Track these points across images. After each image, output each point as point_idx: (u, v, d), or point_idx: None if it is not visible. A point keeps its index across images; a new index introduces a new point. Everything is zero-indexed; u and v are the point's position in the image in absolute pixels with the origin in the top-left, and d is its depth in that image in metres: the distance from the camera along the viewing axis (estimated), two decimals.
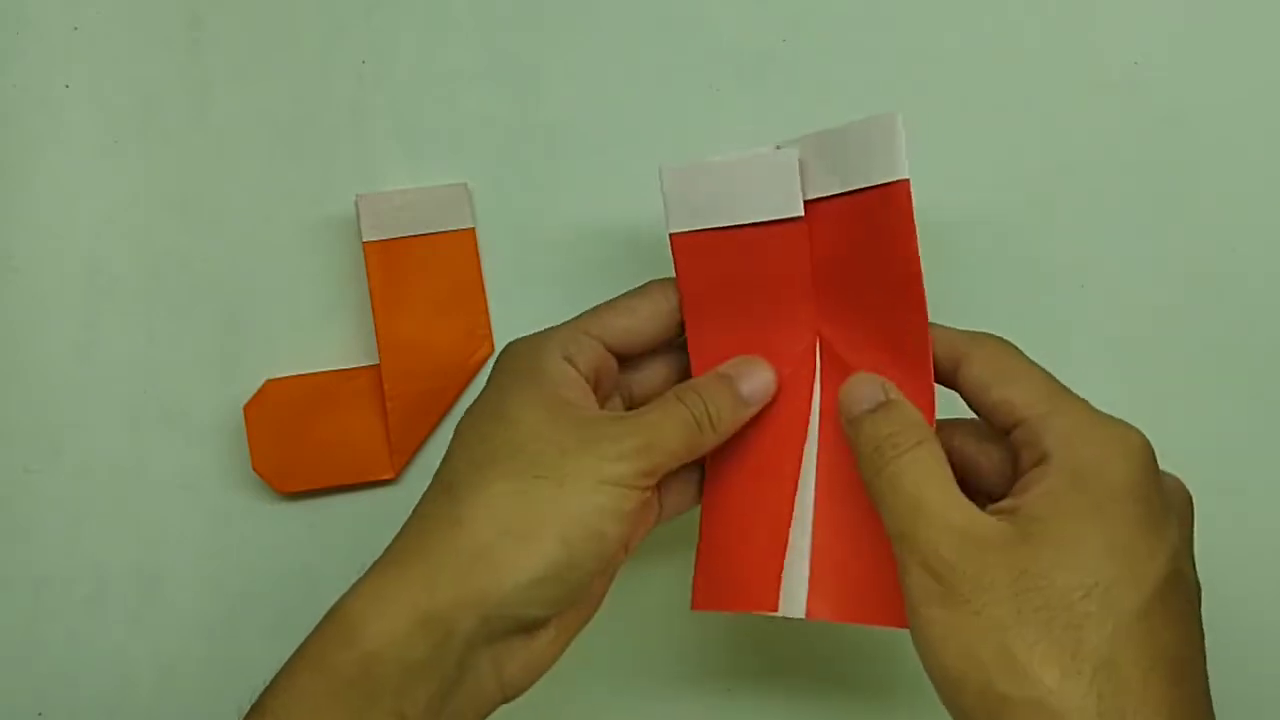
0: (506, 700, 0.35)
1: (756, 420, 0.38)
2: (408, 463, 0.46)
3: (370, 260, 0.45)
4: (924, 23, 0.45)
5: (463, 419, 0.37)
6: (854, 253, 0.36)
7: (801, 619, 0.36)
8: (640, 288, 0.39)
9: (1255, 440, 0.45)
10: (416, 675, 0.33)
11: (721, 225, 0.37)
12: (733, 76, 0.46)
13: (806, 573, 0.37)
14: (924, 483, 0.32)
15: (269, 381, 0.45)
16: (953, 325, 0.36)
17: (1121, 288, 0.45)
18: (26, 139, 0.46)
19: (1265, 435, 0.45)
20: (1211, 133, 0.45)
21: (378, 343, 0.45)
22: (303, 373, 0.45)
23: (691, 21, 0.46)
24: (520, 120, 0.46)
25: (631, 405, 0.40)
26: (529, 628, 0.35)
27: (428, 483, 0.36)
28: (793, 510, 0.37)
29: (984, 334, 0.35)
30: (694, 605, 0.39)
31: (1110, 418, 0.33)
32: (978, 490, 0.35)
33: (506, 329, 0.45)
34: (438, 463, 0.36)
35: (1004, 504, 0.32)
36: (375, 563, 0.35)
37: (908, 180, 0.33)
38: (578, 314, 0.38)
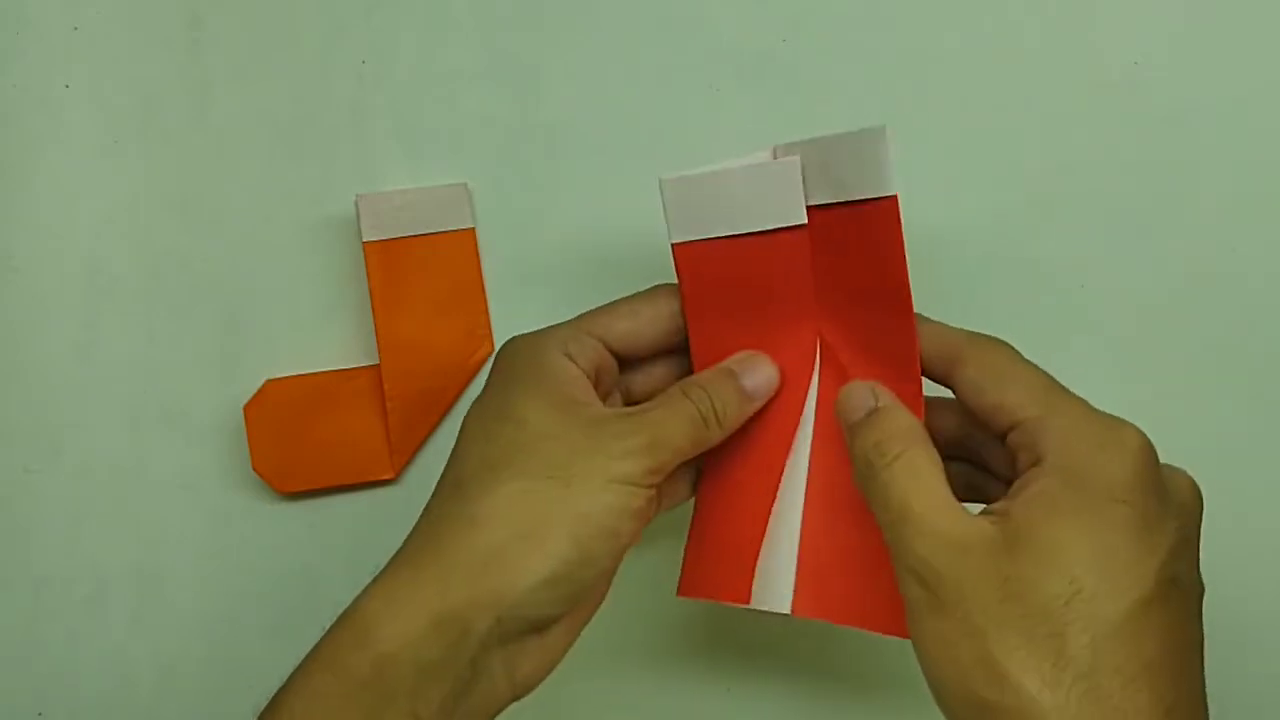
0: (517, 698, 0.35)
1: (754, 415, 0.38)
2: (408, 463, 0.46)
3: (370, 260, 0.45)
4: (924, 23, 0.45)
5: (469, 417, 0.37)
6: (846, 259, 0.36)
7: (787, 615, 0.36)
8: (645, 291, 0.39)
9: (1255, 440, 0.45)
10: (431, 676, 0.33)
11: (724, 234, 0.37)
12: (733, 76, 0.46)
13: (793, 569, 0.37)
14: (911, 490, 0.32)
15: (269, 381, 0.45)
16: (952, 325, 0.36)
17: (1121, 288, 0.45)
18: (26, 139, 0.46)
19: (1265, 435, 0.45)
20: (1211, 133, 0.45)
21: (378, 343, 0.45)
22: (303, 373, 0.45)
23: (691, 21, 0.46)
24: (520, 120, 0.46)
25: (630, 402, 0.40)
26: (541, 627, 0.35)
27: (428, 483, 0.36)
28: (772, 505, 0.37)
29: (981, 335, 0.35)
30: (679, 591, 0.40)
31: (1109, 416, 0.32)
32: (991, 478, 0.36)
33: (506, 329, 0.45)
34: (438, 462, 0.36)
35: (997, 506, 0.32)
36: (388, 563, 0.35)
37: (896, 196, 0.34)
38: (578, 314, 0.38)
